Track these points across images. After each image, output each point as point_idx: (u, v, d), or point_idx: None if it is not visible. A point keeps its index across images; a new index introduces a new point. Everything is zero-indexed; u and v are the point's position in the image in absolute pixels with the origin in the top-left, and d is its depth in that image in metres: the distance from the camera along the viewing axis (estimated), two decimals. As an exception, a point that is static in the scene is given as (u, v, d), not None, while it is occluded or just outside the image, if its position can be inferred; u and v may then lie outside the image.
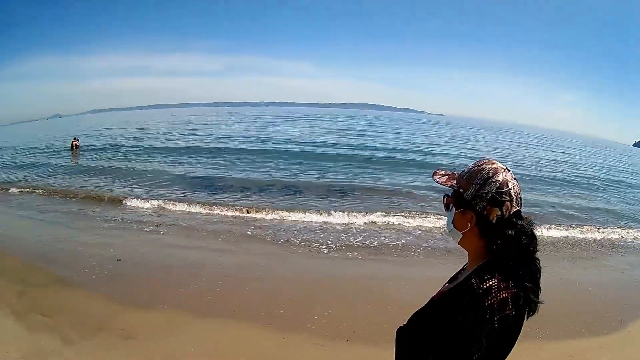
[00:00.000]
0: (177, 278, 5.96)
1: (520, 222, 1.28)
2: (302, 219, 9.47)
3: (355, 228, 8.88)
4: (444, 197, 1.45)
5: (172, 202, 10.77)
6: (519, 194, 1.30)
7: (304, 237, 8.15)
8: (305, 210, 10.05)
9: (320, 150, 21.99)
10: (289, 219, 9.50)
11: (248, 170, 15.91)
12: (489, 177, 1.29)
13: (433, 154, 23.38)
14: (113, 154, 21.16)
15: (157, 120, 61.17)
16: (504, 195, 1.27)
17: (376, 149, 23.49)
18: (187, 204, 10.45)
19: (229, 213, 9.82)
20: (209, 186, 13.15)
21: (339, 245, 7.75)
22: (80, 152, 22.56)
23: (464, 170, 1.38)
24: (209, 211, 9.98)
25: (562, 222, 10.38)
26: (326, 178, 14.74)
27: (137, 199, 11.00)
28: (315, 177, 14.84)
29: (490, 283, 1.18)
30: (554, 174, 19.45)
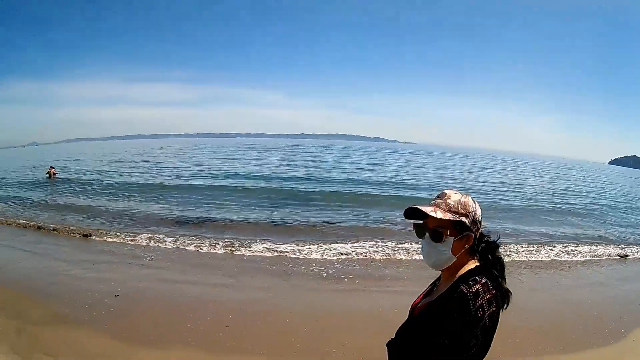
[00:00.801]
0: (182, 314, 5.75)
1: (488, 233, 1.65)
2: (296, 251, 9.40)
3: (350, 259, 8.89)
4: (432, 229, 1.58)
5: (161, 235, 10.60)
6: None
7: (301, 269, 8.10)
8: (297, 242, 10.03)
9: (299, 184, 21.91)
10: (282, 251, 9.41)
11: (228, 206, 15.61)
12: (474, 204, 1.60)
13: (415, 186, 23.67)
14: (91, 186, 20.66)
15: (131, 152, 61.91)
16: (478, 216, 1.60)
17: (356, 182, 23.62)
18: (176, 239, 10.27)
19: (219, 250, 9.50)
20: (193, 222, 12.81)
21: (338, 276, 7.74)
22: (57, 182, 22.57)
23: (450, 203, 1.58)
24: (199, 245, 9.77)
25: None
26: (310, 214, 14.48)
27: (124, 233, 10.79)
28: (298, 213, 14.52)
29: (477, 287, 1.43)
30: (536, 201, 20.23)
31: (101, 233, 10.83)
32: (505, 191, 23.07)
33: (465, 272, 1.54)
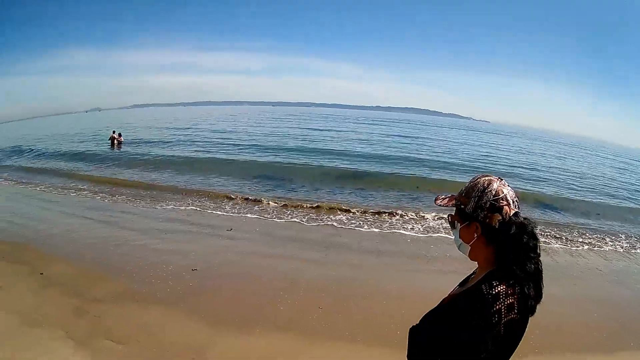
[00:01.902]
0: (269, 293, 5.07)
1: (519, 221, 1.37)
2: (391, 225, 8.75)
3: (443, 239, 7.91)
4: (447, 216, 1.58)
5: (240, 199, 10.24)
6: (515, 198, 1.42)
7: (396, 248, 7.35)
8: (382, 219, 9.21)
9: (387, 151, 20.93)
10: (376, 223, 8.80)
11: (310, 179, 14.26)
12: (485, 188, 1.42)
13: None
14: (159, 155, 19.42)
15: (205, 117, 61.06)
16: (501, 201, 1.40)
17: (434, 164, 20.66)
18: (258, 204, 9.90)
19: (306, 222, 8.80)
20: (278, 185, 12.50)
21: (435, 256, 6.94)
22: (122, 151, 21.02)
23: (462, 189, 1.51)
24: (282, 215, 9.15)
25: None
26: (389, 194, 12.84)
27: (199, 196, 10.50)
28: (377, 193, 12.85)
29: (499, 289, 1.29)
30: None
31: (173, 199, 10.40)
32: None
33: (493, 269, 1.39)
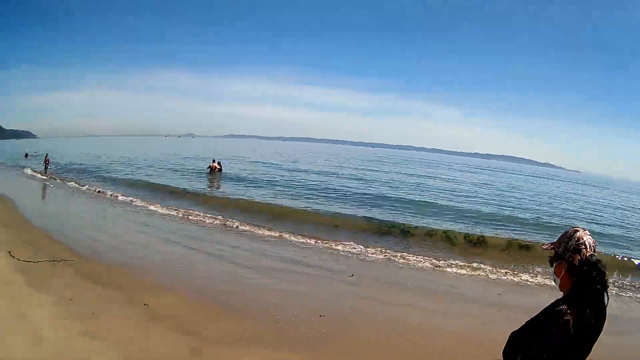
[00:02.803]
0: (401, 344, 4.62)
1: (593, 261, 1.82)
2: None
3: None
4: (547, 257, 2.06)
5: (360, 245, 9.54)
6: (593, 244, 1.89)
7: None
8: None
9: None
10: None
11: (425, 218, 13.72)
12: (571, 235, 1.92)
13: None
14: (262, 185, 19.40)
15: (316, 153, 60.99)
16: (581, 245, 1.87)
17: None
18: (379, 250, 9.28)
19: (424, 264, 8.40)
20: (394, 233, 11.57)
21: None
22: (222, 177, 21.87)
23: (558, 237, 2.01)
24: (402, 260, 8.67)
25: None
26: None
27: (314, 238, 9.95)
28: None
29: (562, 307, 1.75)
30: None
31: (286, 236, 10.04)
32: None
33: (565, 295, 1.86)
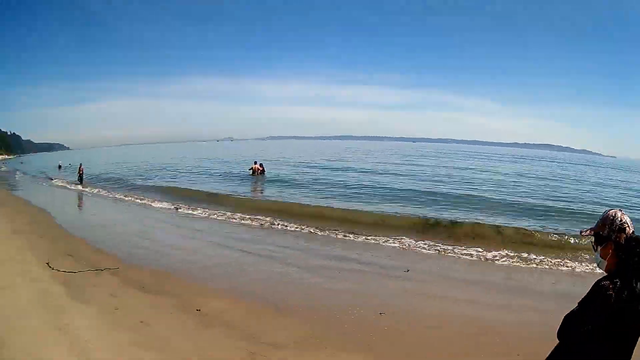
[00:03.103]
0: (469, 344, 4.44)
1: (636, 236, 1.95)
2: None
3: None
4: (591, 242, 2.15)
5: (411, 239, 9.47)
6: (631, 222, 2.00)
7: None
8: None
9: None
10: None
11: (472, 212, 13.43)
12: (614, 217, 2.02)
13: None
14: (307, 185, 19.49)
15: (360, 151, 59.36)
16: (624, 224, 1.99)
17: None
18: (431, 244, 9.15)
19: (474, 257, 8.25)
20: (442, 225, 11.37)
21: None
22: (265, 179, 22.05)
23: (597, 222, 2.08)
24: (452, 254, 8.50)
25: None
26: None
27: (361, 236, 9.87)
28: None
29: (604, 282, 1.87)
30: None
31: (334, 235, 10.04)
32: None
33: (614, 272, 1.94)
